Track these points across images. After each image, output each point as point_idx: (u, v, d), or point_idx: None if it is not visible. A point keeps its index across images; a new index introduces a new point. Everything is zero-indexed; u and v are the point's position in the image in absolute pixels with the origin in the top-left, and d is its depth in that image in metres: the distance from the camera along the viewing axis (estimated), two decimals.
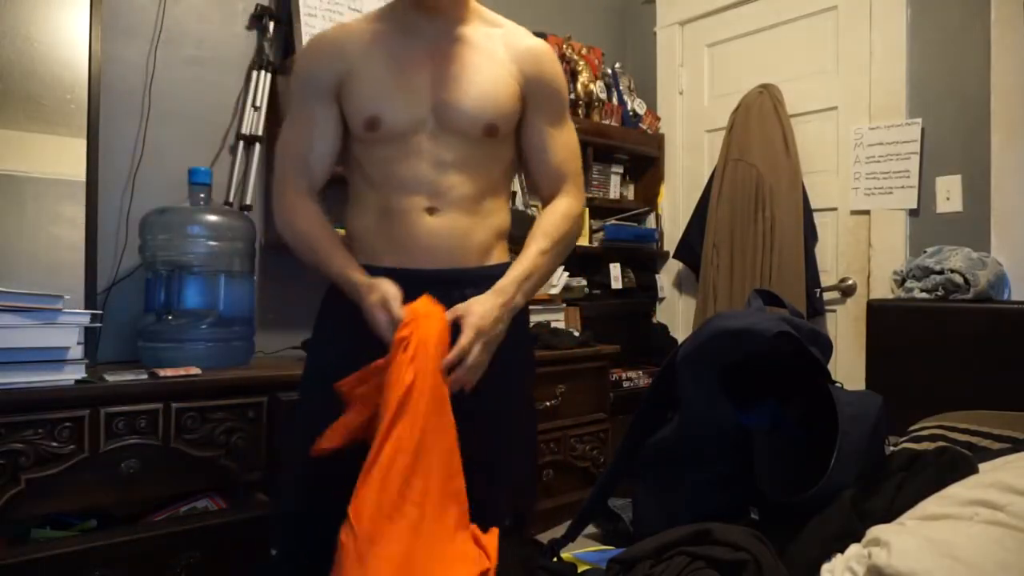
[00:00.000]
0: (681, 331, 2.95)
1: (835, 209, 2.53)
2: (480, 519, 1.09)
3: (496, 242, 1.29)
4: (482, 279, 1.22)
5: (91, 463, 1.44)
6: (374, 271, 1.19)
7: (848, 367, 2.39)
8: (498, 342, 1.15)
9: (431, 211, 1.19)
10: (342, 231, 2.07)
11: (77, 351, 1.46)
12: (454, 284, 1.20)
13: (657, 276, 3.05)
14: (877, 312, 2.16)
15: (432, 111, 1.20)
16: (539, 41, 1.30)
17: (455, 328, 1.11)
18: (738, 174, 2.60)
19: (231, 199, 2.05)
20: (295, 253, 1.27)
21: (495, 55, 1.24)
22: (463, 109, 1.19)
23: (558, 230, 1.25)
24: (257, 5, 2.12)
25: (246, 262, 1.87)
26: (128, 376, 1.53)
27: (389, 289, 1.12)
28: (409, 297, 1.14)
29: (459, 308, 1.13)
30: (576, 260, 2.70)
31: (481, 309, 1.13)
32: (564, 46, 2.70)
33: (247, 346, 1.87)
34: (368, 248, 1.25)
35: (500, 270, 1.25)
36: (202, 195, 1.83)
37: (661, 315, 3.05)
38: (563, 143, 1.31)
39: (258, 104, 2.07)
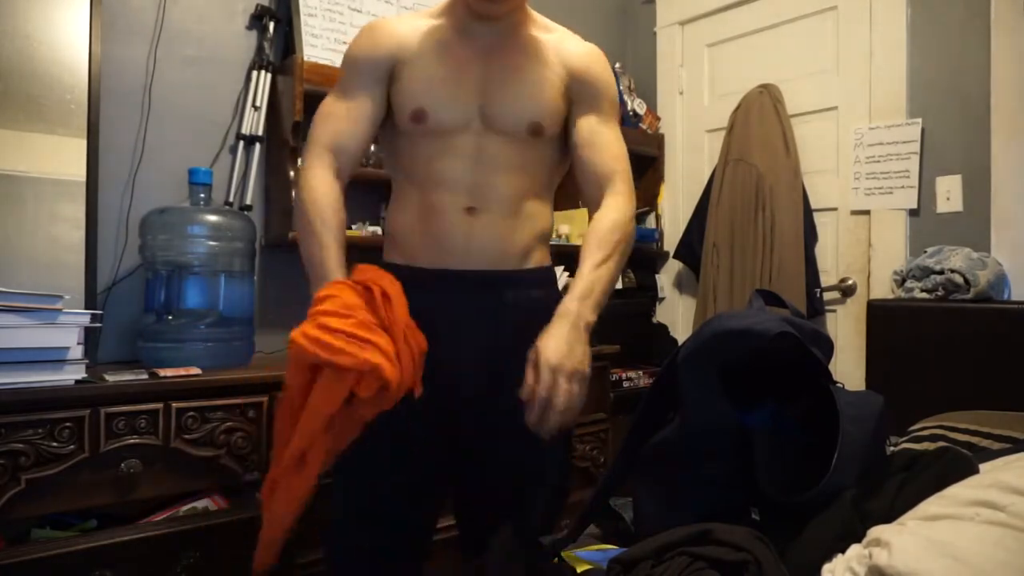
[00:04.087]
0: (681, 331, 2.95)
1: (835, 209, 2.53)
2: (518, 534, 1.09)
3: (536, 245, 1.27)
4: (521, 282, 1.21)
5: (91, 463, 1.44)
6: (412, 271, 1.18)
7: (848, 367, 2.39)
8: (584, 366, 1.09)
9: (470, 211, 1.18)
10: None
11: (77, 351, 1.46)
12: (492, 286, 1.19)
13: (657, 276, 3.05)
14: (877, 312, 2.16)
15: (478, 109, 1.19)
16: (590, 45, 1.30)
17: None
18: (738, 174, 2.60)
19: (231, 199, 2.05)
20: (296, 214, 1.24)
21: (544, 57, 1.24)
22: (508, 108, 1.19)
23: (611, 236, 1.19)
24: (257, 5, 2.12)
25: (246, 262, 1.87)
26: (128, 376, 1.53)
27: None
28: (443, 295, 1.15)
29: (532, 354, 1.07)
30: (576, 260, 2.69)
31: (552, 344, 1.07)
32: None
33: (247, 346, 1.87)
34: (407, 247, 1.23)
35: (539, 273, 1.25)
36: (202, 195, 1.83)
37: (661, 315, 3.05)
38: (609, 141, 1.27)
39: (258, 104, 2.07)
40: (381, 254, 1.30)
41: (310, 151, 1.24)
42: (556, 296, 1.30)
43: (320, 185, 1.20)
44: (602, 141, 1.25)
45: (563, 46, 1.27)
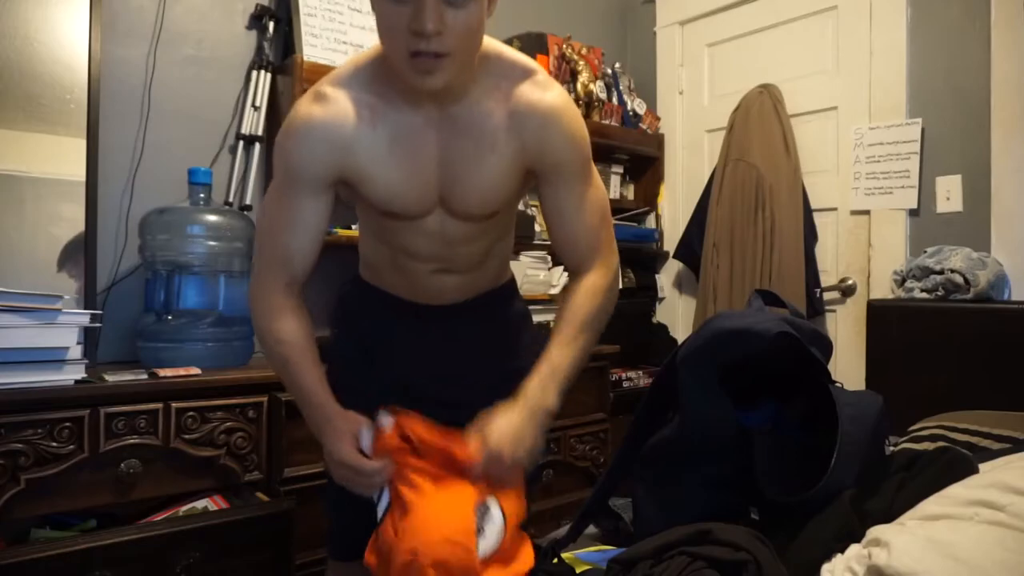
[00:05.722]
0: (681, 331, 2.95)
1: (835, 209, 2.53)
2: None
3: (501, 272, 1.35)
4: (483, 304, 1.29)
5: (91, 463, 1.44)
6: (386, 295, 1.27)
7: (848, 367, 2.39)
8: (530, 453, 1.08)
9: (439, 271, 1.23)
10: (342, 231, 2.05)
11: (77, 351, 1.46)
12: (458, 313, 1.27)
13: (657, 276, 3.05)
14: (877, 312, 2.16)
15: (439, 203, 1.17)
16: (547, 98, 1.13)
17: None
18: (738, 174, 2.60)
19: (231, 199, 2.05)
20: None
21: (497, 140, 1.14)
22: (466, 202, 1.16)
23: (582, 311, 1.16)
24: (257, 5, 2.12)
25: (246, 262, 1.87)
26: (128, 376, 1.53)
27: (358, 420, 1.09)
28: (418, 319, 1.25)
29: (483, 428, 1.06)
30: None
31: (502, 425, 1.06)
32: (564, 46, 2.70)
33: (247, 346, 1.87)
34: (381, 278, 1.29)
35: (498, 290, 1.33)
36: (202, 195, 1.83)
37: (661, 315, 3.05)
38: (584, 208, 1.20)
39: (258, 104, 2.07)
40: None
41: (260, 268, 1.18)
42: (518, 303, 1.40)
43: (284, 321, 1.15)
44: (571, 213, 1.20)
45: (517, 106, 1.13)
